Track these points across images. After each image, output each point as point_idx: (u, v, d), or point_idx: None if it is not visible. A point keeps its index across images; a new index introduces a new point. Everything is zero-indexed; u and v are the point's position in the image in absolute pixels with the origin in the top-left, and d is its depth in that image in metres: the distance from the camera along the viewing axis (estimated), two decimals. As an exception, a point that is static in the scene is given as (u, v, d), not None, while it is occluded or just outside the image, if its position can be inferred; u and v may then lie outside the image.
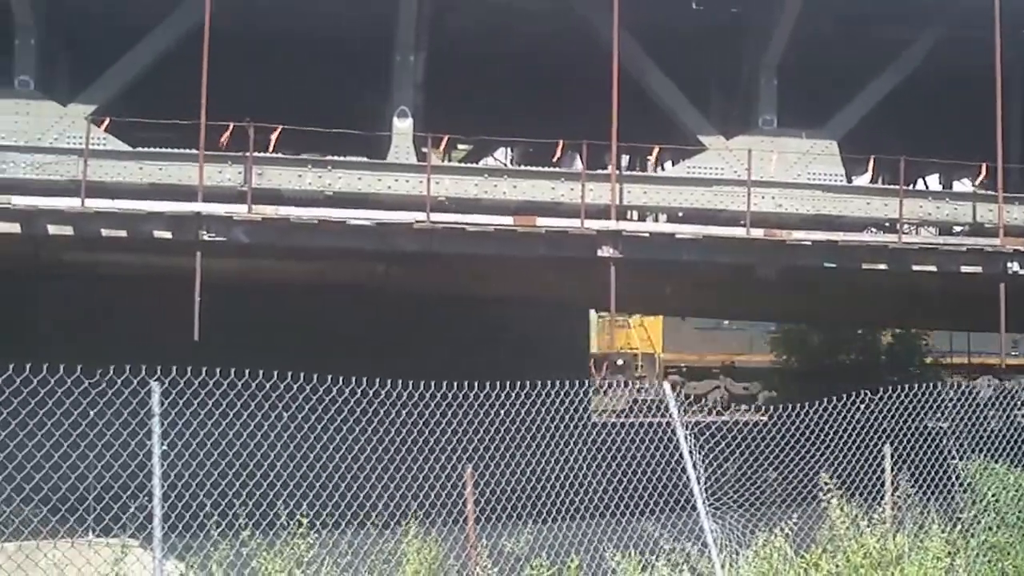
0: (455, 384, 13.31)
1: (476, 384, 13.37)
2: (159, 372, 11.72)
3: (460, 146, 25.25)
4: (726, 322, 44.36)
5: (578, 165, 23.68)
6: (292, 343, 21.17)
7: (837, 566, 14.15)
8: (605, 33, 19.96)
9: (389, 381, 13.07)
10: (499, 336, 25.60)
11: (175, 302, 18.68)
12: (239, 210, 19.06)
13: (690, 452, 14.09)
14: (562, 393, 14.16)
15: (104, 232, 18.91)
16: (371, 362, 13.27)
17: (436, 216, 19.65)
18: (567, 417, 15.10)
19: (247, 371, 12.24)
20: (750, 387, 46.18)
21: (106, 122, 19.61)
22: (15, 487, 13.28)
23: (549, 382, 13.89)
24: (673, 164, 24.02)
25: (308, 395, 12.85)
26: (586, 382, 20.47)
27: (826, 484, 14.64)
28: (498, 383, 13.54)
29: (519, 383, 13.64)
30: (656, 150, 22.70)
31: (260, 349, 16.46)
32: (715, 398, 45.43)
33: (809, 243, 21.02)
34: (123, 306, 22.65)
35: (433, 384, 13.26)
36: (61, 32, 20.86)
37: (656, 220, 24.50)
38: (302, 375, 12.61)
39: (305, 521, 12.49)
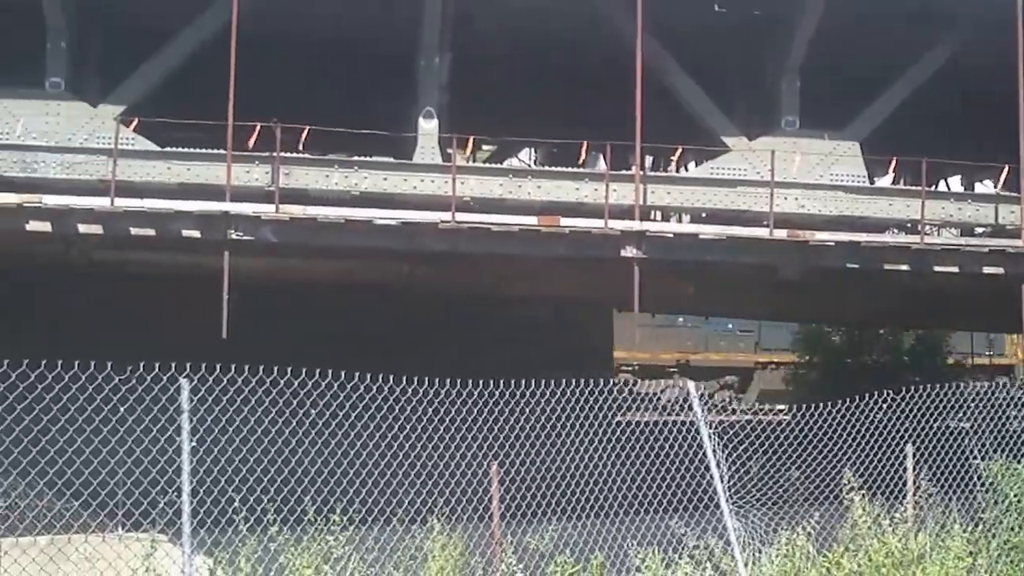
0: (479, 383, 13.48)
1: (501, 382, 13.53)
2: (188, 369, 11.90)
3: (484, 147, 25.39)
4: (680, 319, 43.97)
5: (601, 166, 23.78)
6: (318, 341, 21.34)
7: (859, 565, 14.27)
8: (629, 34, 20.08)
9: (416, 379, 13.25)
10: (523, 335, 25.75)
11: (203, 301, 18.90)
12: (267, 210, 19.26)
13: (713, 451, 14.23)
14: (586, 392, 14.32)
15: (133, 231, 19.12)
16: (397, 360, 13.46)
17: (461, 216, 19.81)
18: (591, 416, 15.25)
19: (275, 369, 12.42)
20: (707, 386, 45.70)
21: (135, 122, 19.83)
22: (47, 482, 13.52)
23: (573, 381, 14.04)
24: (696, 165, 24.10)
25: (336, 392, 13.03)
26: (610, 381, 20.60)
27: (848, 483, 14.76)
28: (523, 381, 13.69)
29: (543, 381, 13.80)
30: (679, 151, 22.80)
31: (287, 347, 16.65)
32: (669, 397, 44.96)
33: (832, 244, 21.11)
34: (152, 304, 22.87)
35: (459, 382, 13.43)
36: (91, 34, 21.08)
37: (679, 221, 24.65)
38: (329, 372, 12.79)
39: (337, 517, 12.66)
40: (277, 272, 21.35)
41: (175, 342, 16.89)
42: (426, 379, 13.37)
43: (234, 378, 12.26)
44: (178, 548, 12.72)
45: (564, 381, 14.02)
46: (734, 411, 31.52)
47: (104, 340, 17.96)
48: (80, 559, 13.40)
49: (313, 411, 13.80)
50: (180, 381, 11.93)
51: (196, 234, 19.21)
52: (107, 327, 22.29)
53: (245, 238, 19.20)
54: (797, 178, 21.55)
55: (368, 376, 13.04)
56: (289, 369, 12.73)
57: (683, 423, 15.03)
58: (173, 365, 12.13)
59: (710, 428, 14.27)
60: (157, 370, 12.19)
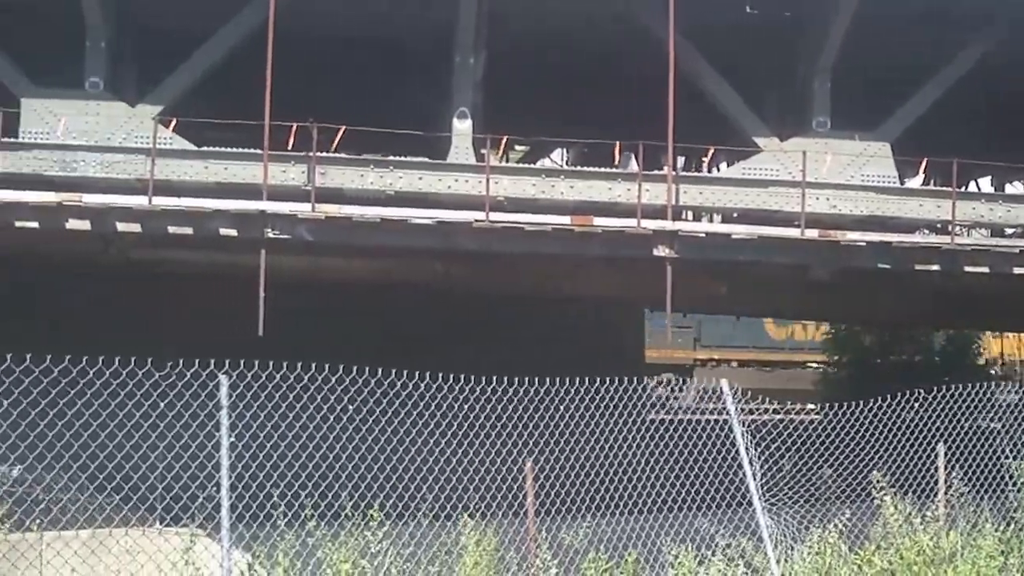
0: (513, 380, 13.60)
1: (536, 380, 13.64)
2: (227, 366, 12.04)
3: (517, 147, 25.56)
4: None
5: (632, 166, 23.91)
6: (354, 340, 21.50)
7: (890, 563, 14.32)
8: (661, 35, 20.22)
9: (451, 376, 13.39)
10: (555, 334, 25.90)
11: (240, 299, 19.13)
12: (303, 209, 19.46)
13: (746, 448, 14.32)
14: (620, 390, 14.44)
15: (171, 229, 19.37)
16: (431, 358, 13.58)
17: (495, 215, 19.97)
18: (624, 414, 15.36)
19: (313, 365, 12.57)
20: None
21: (173, 122, 20.06)
22: (89, 476, 13.70)
23: (608, 379, 14.15)
24: (727, 165, 24.22)
25: (372, 389, 13.16)
26: (643, 380, 20.72)
27: (879, 482, 14.82)
28: (556, 379, 13.81)
29: (575, 380, 13.92)
30: (711, 151, 22.91)
31: (323, 346, 16.79)
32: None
33: (863, 244, 21.19)
34: (189, 302, 23.10)
35: (494, 379, 13.56)
36: (129, 34, 21.33)
37: (710, 220, 24.75)
38: (366, 370, 12.93)
39: (375, 512, 12.79)
40: (313, 271, 21.53)
41: (212, 340, 17.13)
42: (461, 376, 13.50)
43: (272, 375, 12.40)
44: (217, 542, 12.91)
45: (596, 380, 14.11)
46: (766, 410, 31.44)
47: (140, 338, 18.26)
48: (121, 552, 13.57)
49: (351, 407, 13.94)
50: (219, 377, 12.07)
51: (233, 233, 19.43)
52: (144, 325, 22.54)
53: (281, 237, 19.43)
54: (828, 178, 21.63)
55: (404, 373, 13.17)
56: (327, 366, 12.87)
57: (715, 421, 15.13)
58: (212, 362, 12.26)
59: (742, 426, 14.36)
60: (196, 366, 12.33)
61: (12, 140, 19.86)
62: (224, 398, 12.01)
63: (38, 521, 13.78)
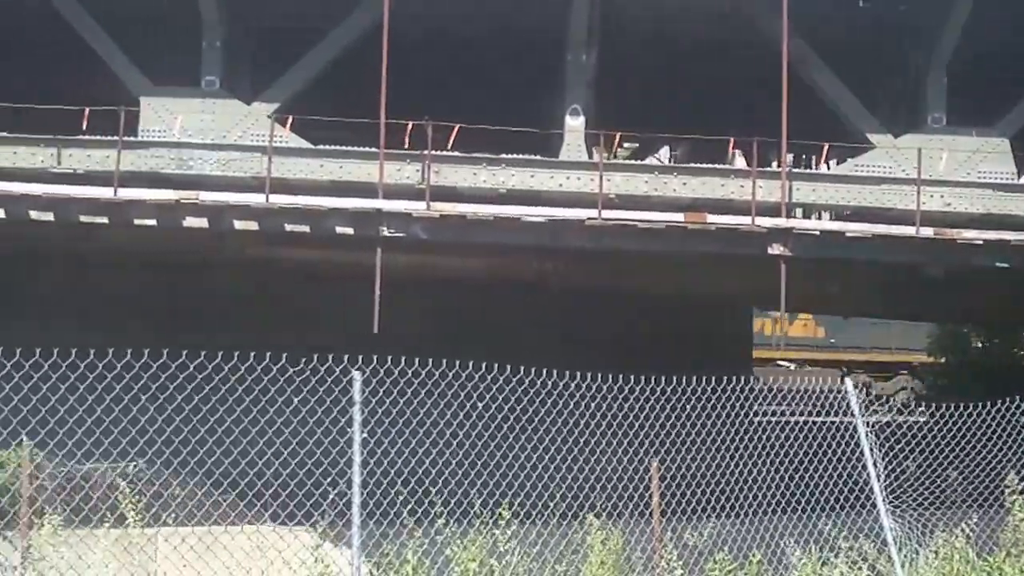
0: (631, 379, 13.55)
1: (643, 379, 13.58)
2: (360, 361, 12.08)
3: (625, 144, 25.47)
4: None
5: (738, 163, 23.76)
6: (463, 337, 21.54)
7: (1022, 571, 14.10)
8: (773, 31, 20.08)
9: (567, 374, 13.35)
10: (664, 332, 25.79)
11: (354, 296, 19.28)
12: (418, 207, 19.56)
13: (870, 450, 14.18)
14: (736, 389, 14.36)
15: (288, 227, 19.53)
16: (541, 356, 13.52)
17: (607, 213, 19.93)
18: (740, 413, 15.28)
19: (430, 361, 12.57)
20: None
21: (290, 120, 20.22)
22: (206, 471, 13.84)
23: (714, 378, 14.06)
24: (837, 162, 23.98)
25: (489, 386, 13.18)
26: (751, 379, 20.62)
27: (1008, 486, 14.60)
28: (665, 379, 13.72)
29: (684, 378, 13.82)
30: (826, 148, 22.70)
31: (434, 343, 16.84)
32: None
33: (980, 242, 20.86)
34: (303, 298, 23.28)
35: (600, 378, 13.52)
36: (245, 33, 21.53)
37: (819, 218, 24.54)
38: (483, 366, 12.93)
39: (504, 511, 12.82)
40: (423, 268, 21.62)
41: (327, 336, 17.29)
42: (578, 375, 13.48)
43: (404, 371, 12.44)
44: (328, 539, 13.02)
45: (703, 379, 14.02)
46: (900, 411, 31.11)
47: (251, 335, 18.41)
48: (250, 548, 13.69)
49: (467, 403, 13.96)
50: (353, 373, 12.10)
51: (349, 231, 19.58)
52: (258, 320, 22.70)
53: (396, 235, 19.53)
54: (944, 175, 21.34)
55: (533, 370, 13.16)
56: (445, 362, 12.89)
57: (839, 423, 15.00)
58: (330, 358, 12.28)
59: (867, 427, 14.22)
60: (315, 362, 12.36)
61: (131, 139, 20.10)
62: (357, 394, 12.05)
63: (173, 516, 13.91)
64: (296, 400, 13.02)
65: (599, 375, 13.60)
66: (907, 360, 44.99)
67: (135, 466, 15.57)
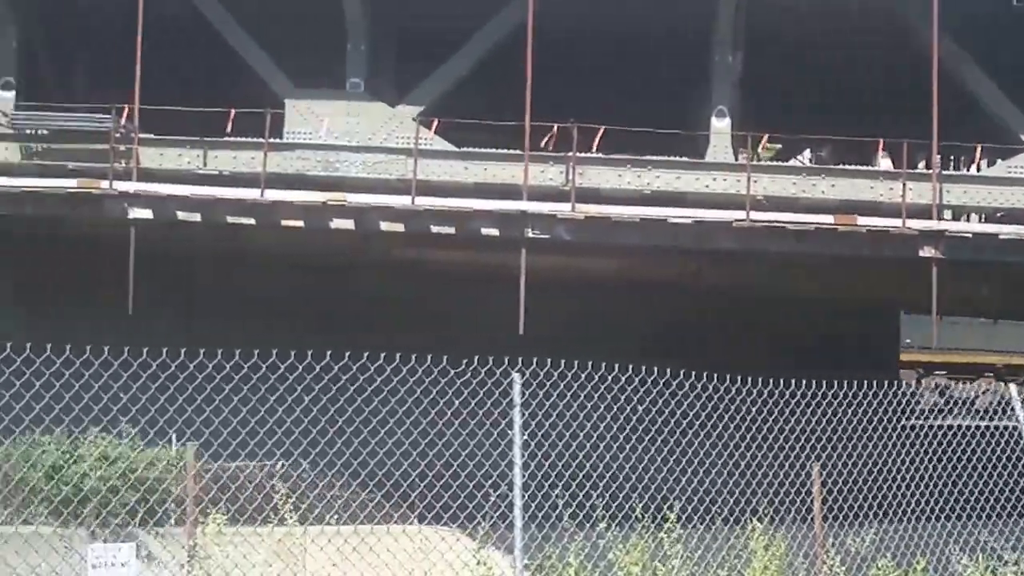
0: (791, 383, 13.30)
1: (792, 383, 13.31)
2: (520, 363, 11.98)
3: (768, 145, 25.18)
4: None
5: (883, 164, 23.38)
6: (607, 338, 21.45)
7: None
8: (923, 32, 19.71)
9: (727, 377, 13.14)
10: (812, 335, 25.48)
11: (495, 297, 19.25)
12: (562, 208, 19.47)
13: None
14: (891, 394, 14.08)
15: (434, 229, 19.54)
16: (689, 358, 13.33)
17: (754, 215, 19.69)
18: (894, 418, 14.98)
19: (575, 364, 12.43)
20: None
21: (435, 123, 20.24)
22: (352, 472, 13.85)
23: (862, 382, 13.75)
24: (987, 164, 23.50)
25: (648, 389, 13.01)
26: (900, 383, 20.26)
27: None
28: (815, 382, 13.44)
29: (832, 382, 13.53)
30: (979, 149, 22.24)
31: (579, 344, 16.72)
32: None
33: None
34: (447, 300, 23.28)
35: (750, 381, 13.28)
36: (389, 36, 21.60)
37: (967, 220, 24.03)
38: (655, 370, 12.77)
39: (670, 514, 12.68)
40: (567, 270, 21.53)
41: (471, 337, 17.20)
42: (738, 378, 13.27)
43: (562, 373, 12.33)
44: (497, 541, 12.94)
45: (857, 383, 13.73)
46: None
47: (399, 333, 18.44)
48: (412, 550, 13.69)
49: (627, 406, 13.82)
50: (512, 375, 12.01)
51: (495, 232, 19.55)
52: (402, 321, 22.71)
53: (541, 237, 19.46)
54: (1102, 176, 20.78)
55: (693, 373, 12.99)
56: (604, 364, 12.76)
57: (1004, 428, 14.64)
58: (476, 359, 12.18)
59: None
60: (491, 364, 12.28)
61: (277, 140, 20.25)
62: (517, 396, 11.94)
63: (334, 516, 13.97)
64: (457, 402, 12.97)
65: (750, 378, 13.38)
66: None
67: (283, 465, 15.69)
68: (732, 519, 13.89)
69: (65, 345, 10.98)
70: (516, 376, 12.05)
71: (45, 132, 20.86)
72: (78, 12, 22.09)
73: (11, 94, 21.19)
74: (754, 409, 13.69)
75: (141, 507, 13.96)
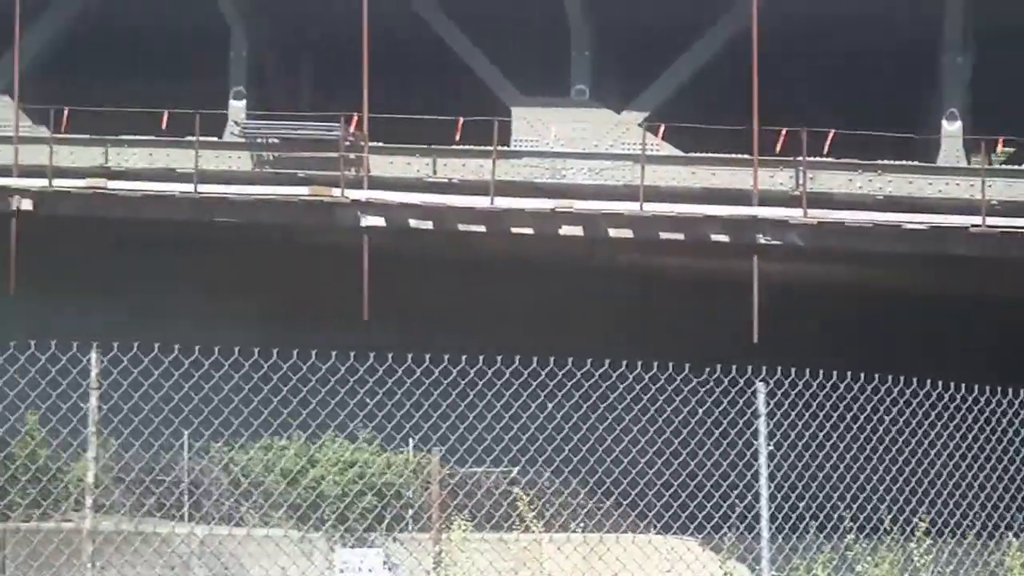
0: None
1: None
2: (764, 372, 11.82)
3: (1000, 149, 24.41)
4: None
5: None
6: (845, 344, 21.03)
7: None
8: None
9: (964, 386, 12.77)
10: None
11: (726, 304, 19.10)
12: (794, 214, 19.26)
13: None
14: None
15: (663, 235, 19.52)
16: (921, 369, 13.00)
17: (991, 220, 19.21)
18: None
19: (820, 373, 12.19)
20: None
21: (662, 129, 20.20)
22: (596, 480, 13.82)
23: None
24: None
25: (895, 399, 12.72)
26: None
27: None
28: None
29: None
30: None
31: (820, 349, 16.47)
32: None
33: None
34: (677, 306, 23.15)
35: (988, 390, 12.88)
36: (611, 42, 21.61)
37: None
38: (901, 379, 12.49)
39: (923, 524, 12.43)
40: (798, 276, 21.24)
41: (702, 344, 17.10)
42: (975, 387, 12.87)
43: (808, 382, 12.14)
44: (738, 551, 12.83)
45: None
46: None
47: (629, 340, 18.44)
48: (658, 559, 13.65)
49: (874, 417, 13.55)
50: (756, 384, 11.87)
51: (724, 238, 19.48)
52: (634, 326, 22.64)
53: (772, 242, 19.28)
54: None
55: (939, 383, 12.66)
56: (850, 373, 12.51)
57: None
58: (749, 368, 12.04)
59: None
60: (734, 373, 12.16)
61: (505, 148, 20.44)
62: (762, 405, 11.78)
63: (572, 523, 14.02)
64: (700, 411, 12.86)
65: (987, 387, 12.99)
66: None
67: (525, 472, 15.78)
68: (986, 533, 13.51)
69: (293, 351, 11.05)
70: (760, 385, 11.87)
71: (275, 140, 21.38)
72: (303, 22, 22.59)
73: (242, 103, 21.78)
74: (1009, 420, 13.30)
75: (387, 512, 14.20)
